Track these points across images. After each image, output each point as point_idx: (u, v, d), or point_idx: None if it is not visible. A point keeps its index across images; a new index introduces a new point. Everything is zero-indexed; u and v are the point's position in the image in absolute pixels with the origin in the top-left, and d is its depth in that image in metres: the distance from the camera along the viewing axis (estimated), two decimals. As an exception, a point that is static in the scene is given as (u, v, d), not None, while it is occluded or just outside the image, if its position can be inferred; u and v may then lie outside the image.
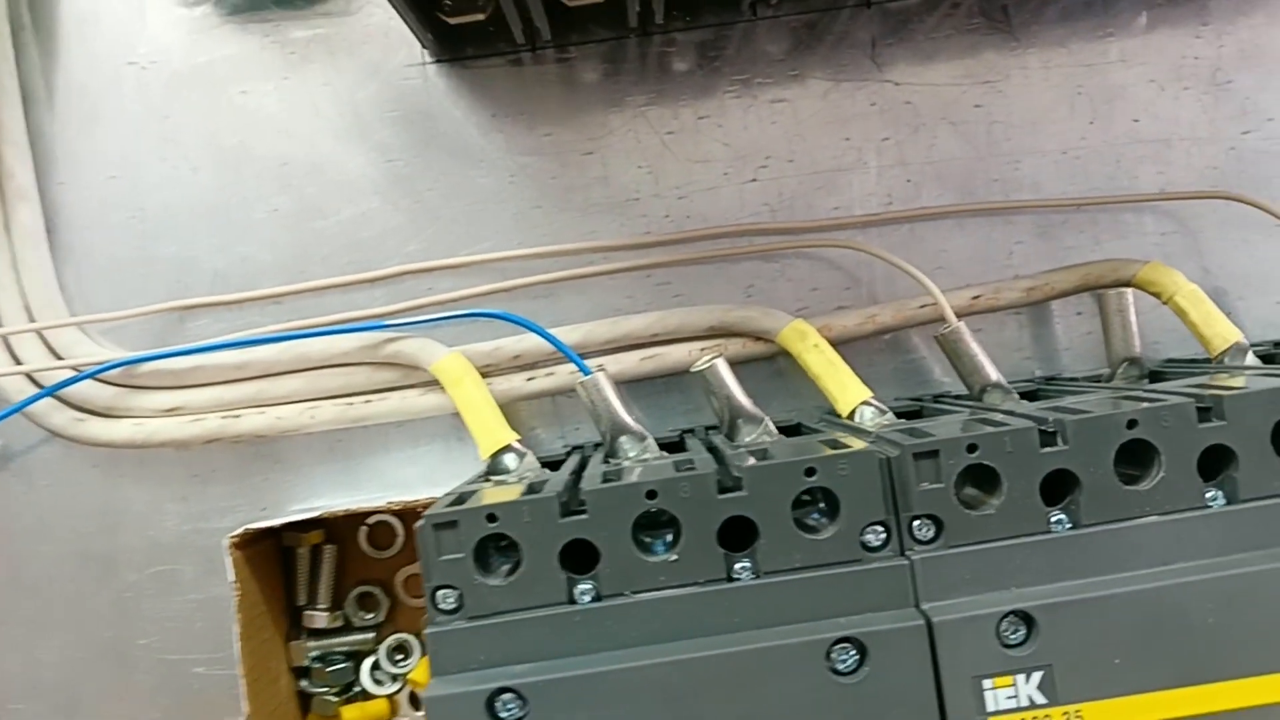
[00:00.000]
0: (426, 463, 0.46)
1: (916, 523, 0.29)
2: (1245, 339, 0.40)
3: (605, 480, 0.30)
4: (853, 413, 0.39)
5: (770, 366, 0.45)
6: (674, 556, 0.28)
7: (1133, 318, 0.41)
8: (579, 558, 0.29)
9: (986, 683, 0.27)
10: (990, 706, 0.27)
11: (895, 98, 0.46)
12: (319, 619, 0.45)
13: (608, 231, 0.46)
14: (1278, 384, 0.29)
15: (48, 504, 0.46)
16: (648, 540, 0.29)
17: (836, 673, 0.27)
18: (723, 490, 0.29)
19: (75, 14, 0.47)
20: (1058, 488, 0.29)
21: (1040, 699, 0.27)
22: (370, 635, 0.46)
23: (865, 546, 0.29)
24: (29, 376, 0.45)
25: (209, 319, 0.46)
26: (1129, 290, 0.41)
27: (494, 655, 0.28)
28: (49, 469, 0.46)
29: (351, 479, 0.46)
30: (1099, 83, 0.46)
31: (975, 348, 0.40)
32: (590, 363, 0.40)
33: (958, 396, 0.43)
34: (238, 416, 0.45)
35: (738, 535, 0.29)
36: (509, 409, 0.44)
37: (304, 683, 0.46)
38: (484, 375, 0.43)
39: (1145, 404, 0.29)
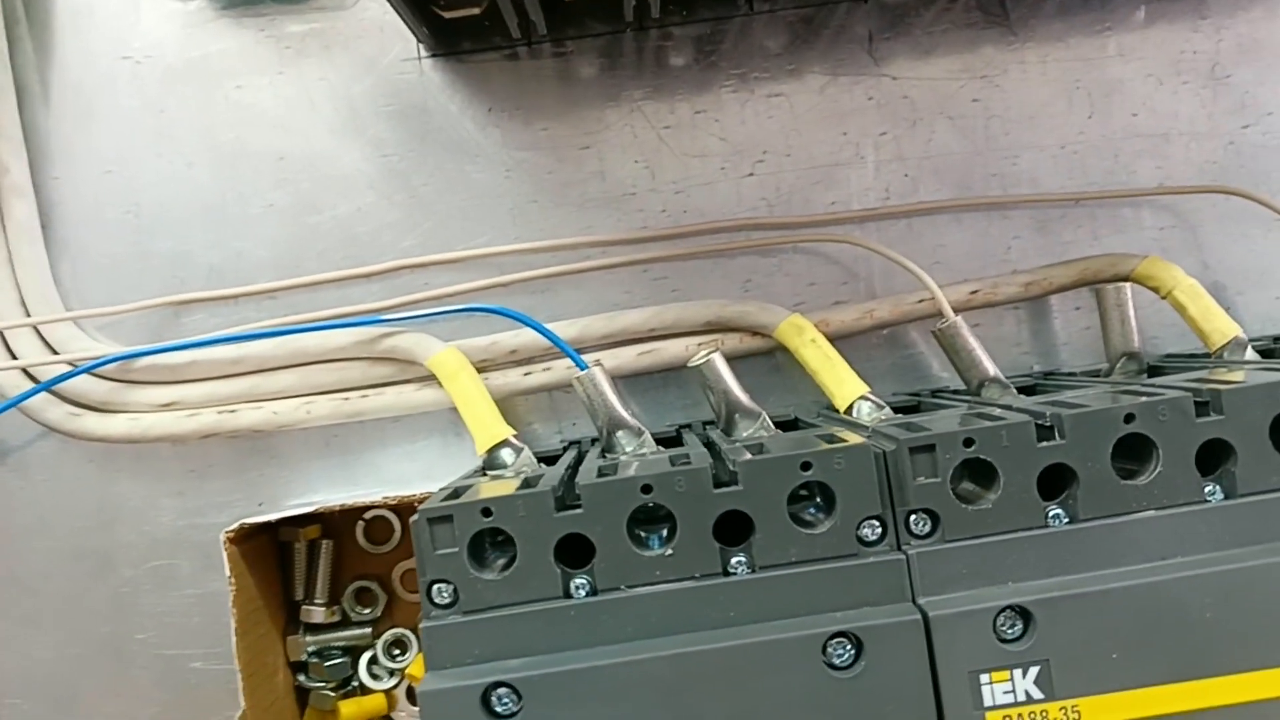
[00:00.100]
0: (423, 458, 0.46)
1: (913, 517, 0.29)
2: (1244, 334, 0.40)
3: (601, 475, 0.30)
4: (850, 408, 0.38)
5: (768, 361, 0.45)
6: (669, 551, 0.28)
7: (1131, 313, 0.41)
8: (574, 552, 0.29)
9: (983, 677, 0.27)
10: (987, 701, 0.27)
11: (893, 92, 0.46)
12: (316, 614, 0.45)
13: (604, 226, 0.46)
14: (1276, 378, 0.29)
15: (44, 499, 0.46)
16: (643, 535, 0.29)
17: (833, 667, 0.27)
18: (718, 485, 0.29)
19: (70, 8, 0.47)
20: (1055, 482, 0.29)
21: (1037, 694, 0.27)
22: (368, 630, 0.46)
23: (861, 541, 0.29)
24: (25, 371, 0.45)
25: (204, 314, 0.46)
26: (1127, 285, 0.41)
27: (489, 650, 0.28)
28: (45, 464, 0.46)
29: (348, 474, 0.46)
30: (1097, 77, 0.46)
31: (973, 343, 0.40)
32: (587, 358, 0.40)
33: (955, 391, 0.43)
34: (234, 411, 0.45)
35: (733, 530, 0.29)
36: (506, 404, 0.44)
37: (301, 677, 0.46)
38: (480, 370, 0.43)
39: (1143, 398, 0.29)
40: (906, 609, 0.28)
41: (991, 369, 0.39)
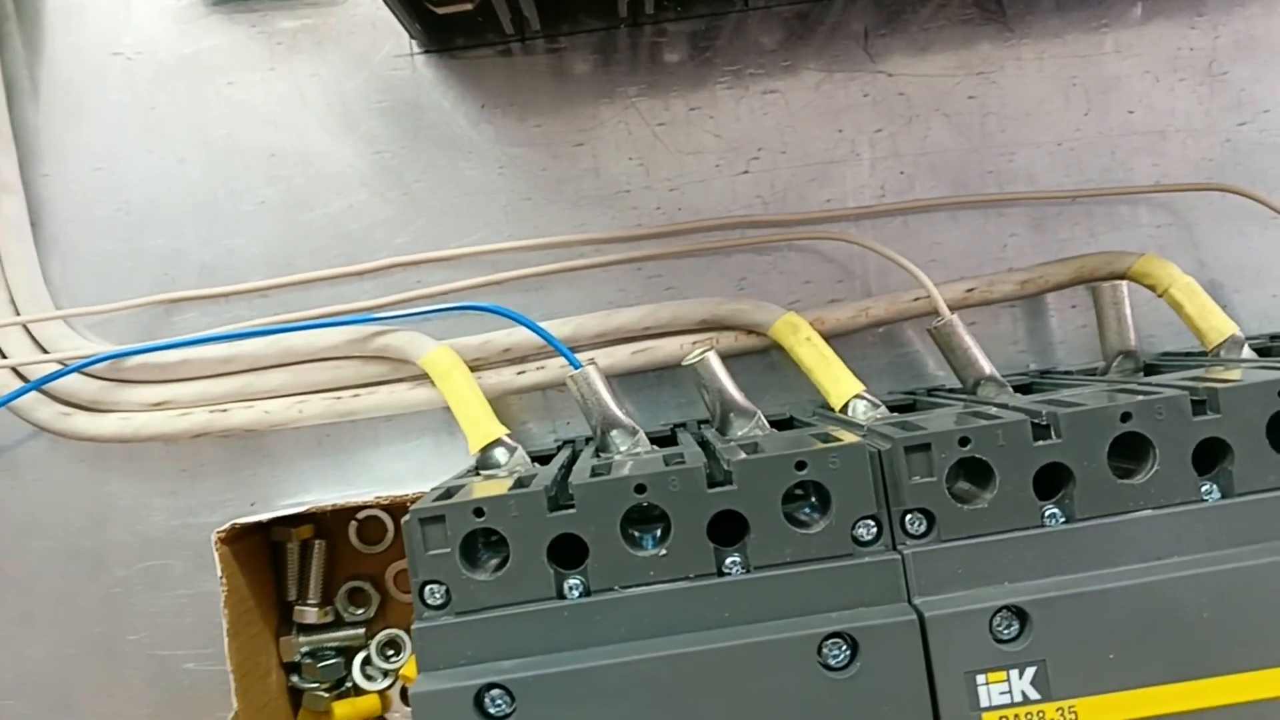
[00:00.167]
0: (416, 457, 0.46)
1: (908, 517, 0.29)
2: (1241, 332, 0.40)
3: (594, 474, 0.29)
4: (845, 406, 0.38)
5: (763, 360, 0.45)
6: (663, 551, 0.28)
7: (1128, 311, 0.41)
8: (568, 552, 0.28)
9: (979, 678, 0.27)
10: (983, 702, 0.27)
11: (888, 89, 0.46)
12: (309, 614, 0.45)
13: (598, 224, 0.46)
14: (1273, 377, 0.29)
15: (35, 499, 0.46)
16: (637, 535, 0.29)
17: (828, 668, 0.27)
18: (712, 484, 0.28)
19: (59, 4, 0.46)
20: (1051, 481, 0.29)
21: (1034, 694, 0.27)
22: (361, 631, 0.46)
23: (857, 541, 0.28)
24: (14, 370, 0.45)
25: (196, 312, 0.46)
26: (1124, 283, 0.41)
27: (482, 651, 0.28)
28: (36, 464, 0.46)
29: (341, 473, 0.46)
30: (1094, 74, 0.46)
31: (969, 341, 0.39)
32: (581, 356, 0.40)
33: (951, 390, 0.42)
34: (225, 410, 0.44)
35: (728, 529, 0.29)
36: (499, 403, 0.43)
37: (295, 678, 0.46)
38: (474, 369, 0.43)
39: (1140, 397, 0.29)
40: (902, 609, 0.28)
41: (987, 367, 0.39)
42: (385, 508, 0.45)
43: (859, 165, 0.46)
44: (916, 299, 0.44)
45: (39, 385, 0.44)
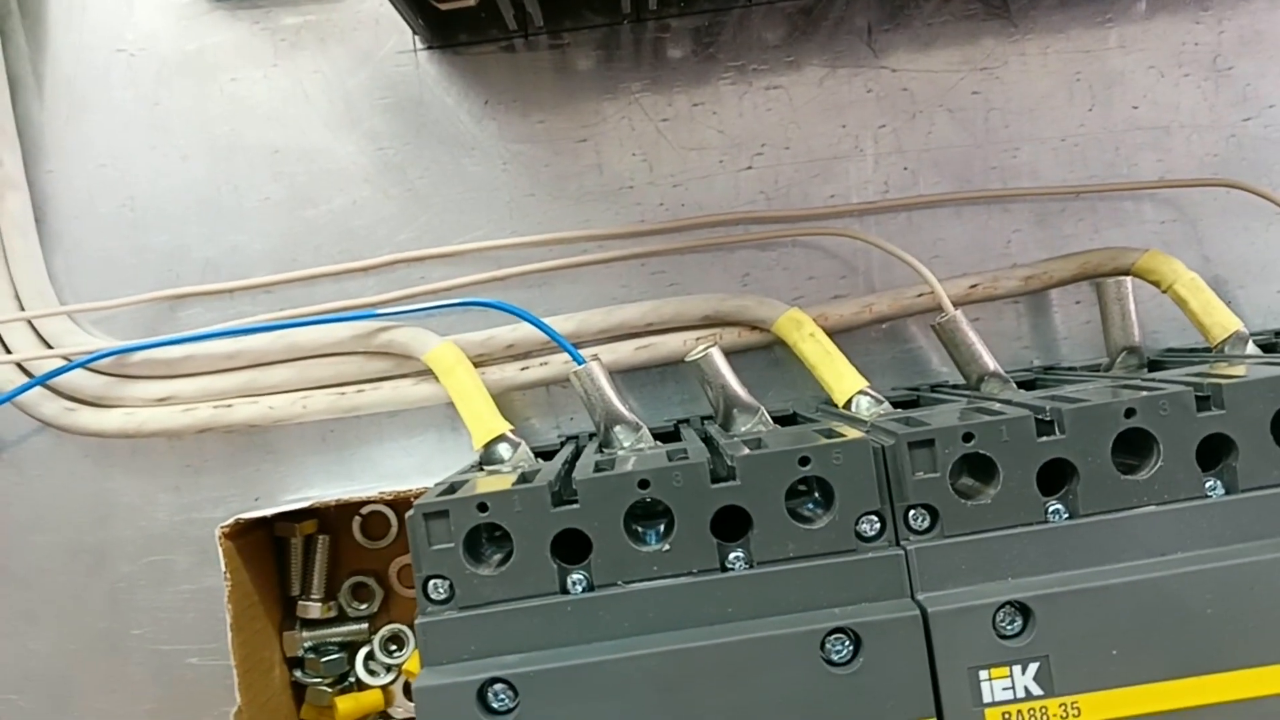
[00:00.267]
0: (420, 453, 0.46)
1: (912, 512, 0.29)
2: (1245, 328, 0.40)
3: (598, 470, 0.29)
4: (849, 402, 0.38)
5: (766, 356, 0.45)
6: (667, 546, 0.28)
7: (1132, 307, 0.40)
8: (571, 548, 0.29)
9: (982, 674, 0.27)
10: (986, 698, 0.27)
11: (892, 84, 0.46)
12: (313, 609, 0.45)
13: (602, 220, 0.46)
14: (1278, 373, 0.29)
15: (39, 495, 0.46)
16: (641, 530, 0.29)
17: (831, 663, 0.27)
18: (716, 479, 0.28)
19: (63, 0, 0.46)
20: (1055, 477, 0.29)
21: (1037, 690, 0.27)
22: (364, 626, 0.46)
23: (860, 536, 0.28)
24: (19, 366, 0.45)
25: (200, 308, 0.46)
26: (1128, 279, 0.41)
27: (485, 646, 0.28)
28: (40, 459, 0.46)
29: (345, 469, 0.46)
30: (1098, 69, 0.46)
31: (973, 337, 0.39)
32: (584, 352, 0.40)
33: (955, 386, 0.42)
34: (229, 406, 0.44)
35: (731, 525, 0.29)
36: (503, 399, 0.43)
37: (298, 673, 0.46)
38: (477, 365, 0.43)
39: (1144, 393, 0.29)
40: (905, 605, 0.28)
41: (991, 363, 0.39)
42: (389, 503, 0.45)
43: (863, 161, 0.46)
44: (920, 295, 0.44)
45: (43, 380, 0.44)
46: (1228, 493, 0.29)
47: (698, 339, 0.44)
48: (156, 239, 0.46)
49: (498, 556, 0.29)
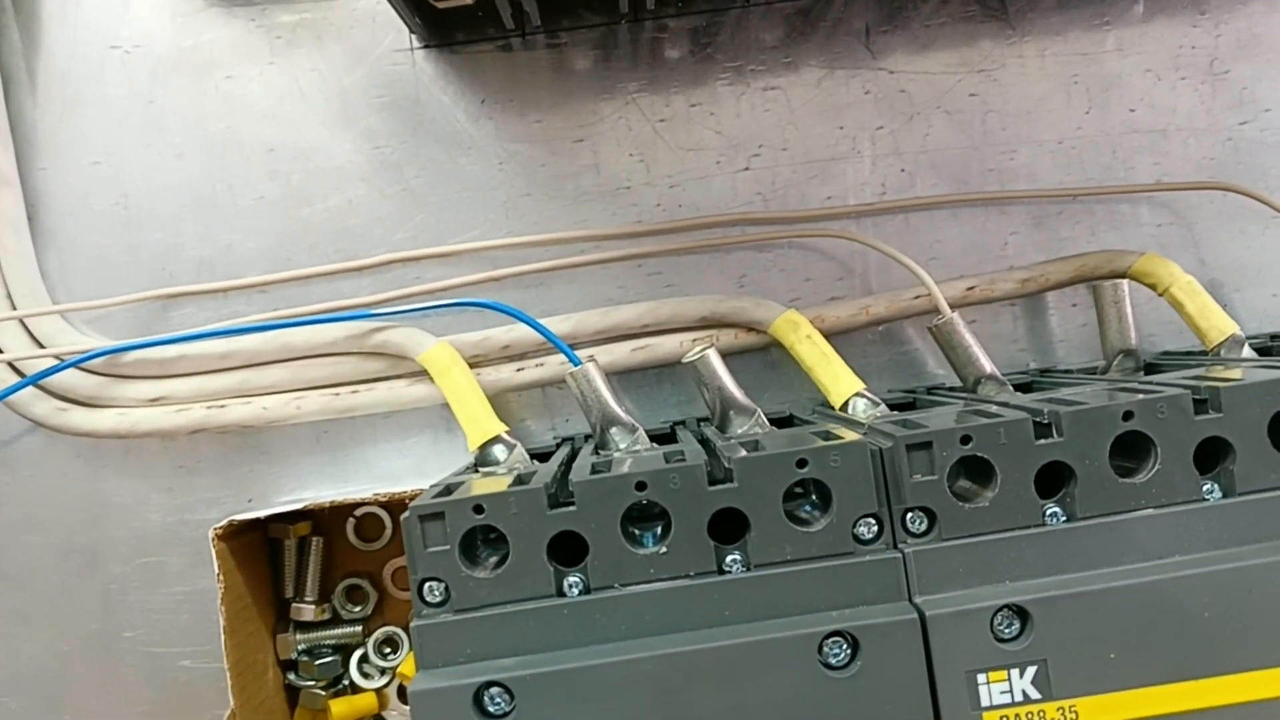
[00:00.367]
0: (415, 454, 0.45)
1: (909, 515, 0.29)
2: (1241, 331, 0.40)
3: (594, 472, 0.29)
4: (845, 404, 0.38)
5: (763, 358, 0.45)
6: (664, 549, 0.28)
7: (1128, 309, 0.40)
8: (567, 550, 0.28)
9: (980, 677, 0.27)
10: (984, 701, 0.27)
11: (890, 86, 0.46)
12: (306, 612, 0.45)
13: (599, 220, 0.46)
14: (1275, 376, 0.29)
15: (31, 495, 0.46)
16: (637, 533, 0.29)
17: (829, 666, 0.27)
18: (713, 482, 0.28)
19: (58, -4, 0.46)
20: (1053, 480, 0.29)
21: (1035, 694, 0.27)
22: (358, 628, 0.46)
23: (857, 539, 0.28)
24: (11, 365, 0.45)
25: (194, 307, 0.46)
26: (1125, 282, 0.41)
27: (481, 648, 0.28)
28: (32, 459, 0.46)
29: (339, 470, 0.45)
30: (1095, 72, 0.46)
31: (969, 339, 0.39)
32: (581, 353, 0.40)
33: (952, 388, 0.42)
34: (223, 406, 0.44)
35: (728, 527, 0.28)
36: (498, 400, 0.43)
37: (291, 676, 0.46)
38: (473, 366, 0.43)
39: (1141, 396, 0.29)
40: (903, 608, 0.28)
41: (988, 366, 0.39)
42: (383, 505, 0.45)
43: (860, 163, 0.46)
44: (917, 297, 0.44)
45: (35, 380, 0.44)
46: (1225, 496, 0.29)
47: (694, 340, 0.44)
48: (150, 237, 0.46)
49: (494, 559, 0.29)
